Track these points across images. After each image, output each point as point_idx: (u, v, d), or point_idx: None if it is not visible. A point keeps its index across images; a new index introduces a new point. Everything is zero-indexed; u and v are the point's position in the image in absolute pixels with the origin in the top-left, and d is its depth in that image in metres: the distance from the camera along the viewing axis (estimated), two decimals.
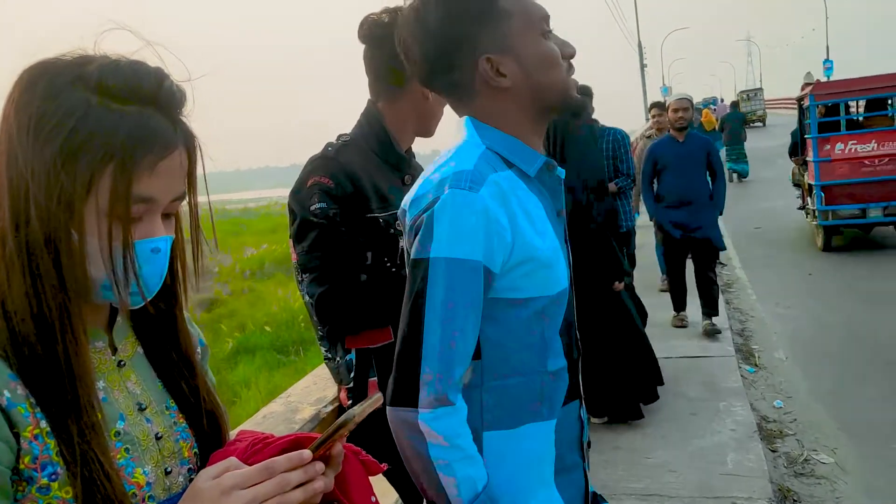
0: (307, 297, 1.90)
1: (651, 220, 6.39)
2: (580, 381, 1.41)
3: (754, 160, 17.38)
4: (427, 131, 2.00)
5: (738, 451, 3.86)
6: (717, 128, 15.68)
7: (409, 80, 1.88)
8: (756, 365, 5.37)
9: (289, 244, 1.96)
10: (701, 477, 3.64)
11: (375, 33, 1.89)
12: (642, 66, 37.02)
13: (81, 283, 0.87)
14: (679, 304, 6.25)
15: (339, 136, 1.99)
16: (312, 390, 2.20)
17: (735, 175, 16.26)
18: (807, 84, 9.86)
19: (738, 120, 17.08)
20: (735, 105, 21.09)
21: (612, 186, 5.50)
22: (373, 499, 1.05)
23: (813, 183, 8.61)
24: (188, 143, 0.92)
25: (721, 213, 6.06)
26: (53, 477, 0.83)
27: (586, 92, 5.11)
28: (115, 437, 0.91)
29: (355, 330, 1.89)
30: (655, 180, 6.11)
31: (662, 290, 6.82)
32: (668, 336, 5.81)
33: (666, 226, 5.97)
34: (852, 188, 8.37)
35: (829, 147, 8.55)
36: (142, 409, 0.96)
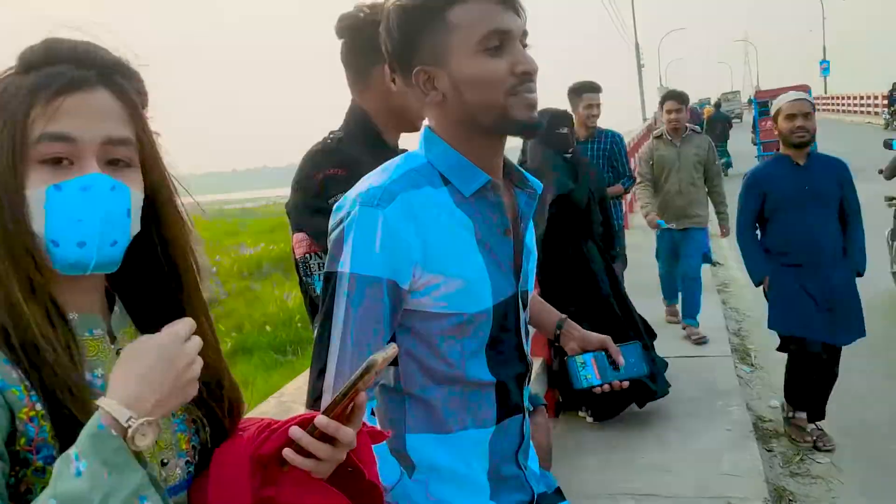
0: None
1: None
2: (524, 396, 1.42)
3: (749, 161, 17.51)
4: (409, 125, 1.94)
5: (735, 451, 3.87)
6: (704, 127, 17.33)
7: (371, 74, 1.88)
8: (752, 365, 5.38)
9: (292, 243, 1.91)
10: (697, 477, 3.64)
11: (346, 26, 1.89)
12: (639, 66, 37.04)
13: (29, 245, 0.87)
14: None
15: (332, 132, 1.97)
16: (305, 390, 2.18)
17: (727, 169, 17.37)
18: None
19: (724, 120, 18.87)
20: (718, 106, 23.38)
21: (618, 188, 5.48)
22: (376, 469, 1.06)
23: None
24: (119, 90, 0.93)
25: (861, 275, 4.12)
26: (49, 460, 0.83)
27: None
28: None
29: None
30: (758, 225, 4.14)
31: (671, 321, 6.29)
32: (664, 336, 5.81)
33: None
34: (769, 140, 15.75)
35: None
36: None
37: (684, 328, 5.97)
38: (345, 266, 1.23)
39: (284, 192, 1.94)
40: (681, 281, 6.12)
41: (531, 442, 1.48)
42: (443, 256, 1.25)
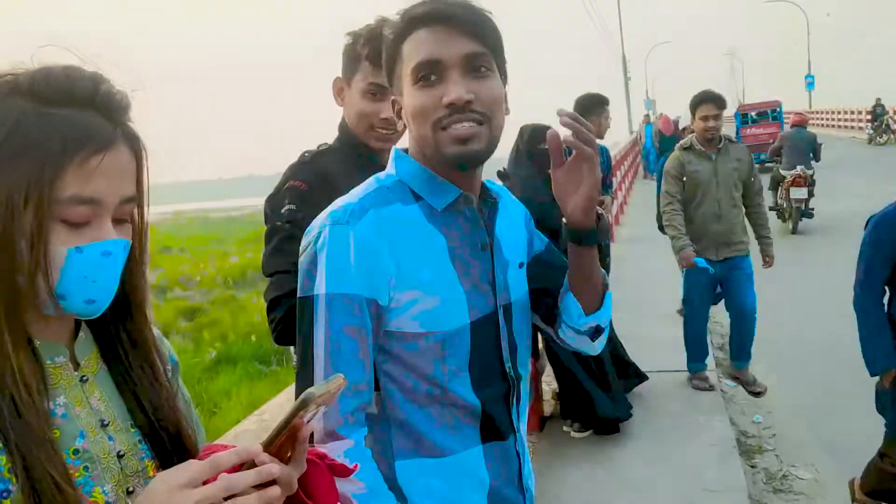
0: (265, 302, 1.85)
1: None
2: (514, 415, 1.39)
3: None
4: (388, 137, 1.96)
5: (718, 467, 3.87)
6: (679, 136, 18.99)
7: (348, 83, 1.91)
8: (735, 379, 5.38)
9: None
10: (681, 492, 3.64)
11: (348, 41, 1.91)
12: (626, 79, 37.25)
13: (23, 290, 0.86)
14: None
15: (320, 145, 2.00)
16: (287, 408, 2.15)
17: None
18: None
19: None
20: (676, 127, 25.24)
21: (606, 199, 5.43)
22: None
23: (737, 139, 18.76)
24: (133, 146, 0.92)
25: None
26: (5, 494, 0.81)
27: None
28: (74, 454, 0.89)
29: None
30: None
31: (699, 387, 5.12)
32: (647, 350, 5.81)
33: None
34: (751, 144, 16.92)
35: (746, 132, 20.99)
36: (104, 426, 0.94)
37: (731, 379, 5.28)
38: (320, 288, 1.21)
39: None
40: (733, 321, 5.27)
41: None
42: (416, 272, 1.23)
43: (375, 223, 1.22)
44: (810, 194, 11.27)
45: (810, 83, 49.59)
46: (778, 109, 21.64)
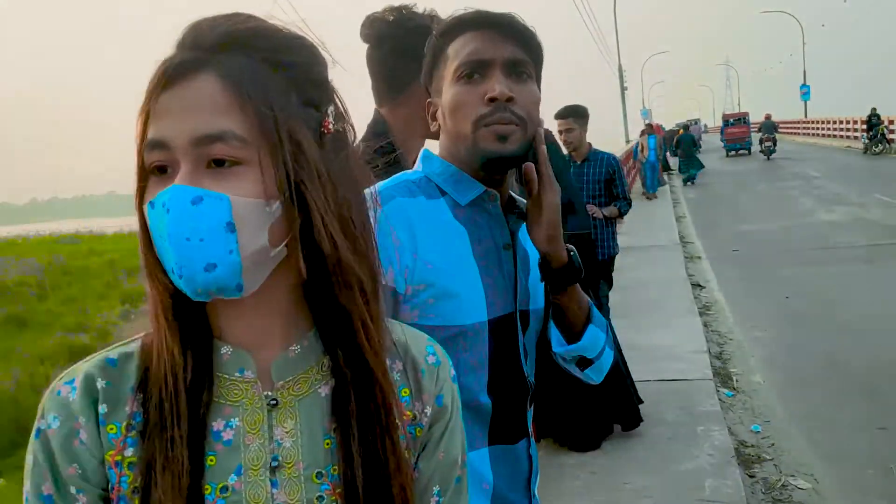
0: None
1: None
2: (529, 420, 1.37)
3: (732, 184, 17.89)
4: (436, 134, 1.90)
5: (716, 477, 3.85)
6: (673, 145, 24.81)
7: (410, 84, 1.74)
8: (734, 388, 5.37)
9: None
10: (679, 502, 3.62)
11: (377, 32, 1.77)
12: (622, 89, 37.34)
13: (152, 267, 0.76)
14: None
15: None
16: None
17: (691, 179, 22.53)
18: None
19: (689, 139, 23.63)
20: (686, 128, 29.68)
21: (613, 210, 5.30)
22: None
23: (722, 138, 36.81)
24: (229, 70, 0.74)
25: None
26: None
27: (576, 111, 5.21)
28: (221, 492, 0.75)
29: None
30: None
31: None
32: (644, 359, 5.81)
33: None
34: (730, 139, 35.93)
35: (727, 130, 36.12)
36: (274, 469, 0.77)
37: None
38: None
39: None
40: None
41: None
42: (434, 264, 1.23)
43: (399, 210, 1.24)
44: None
45: (806, 93, 49.83)
46: (746, 117, 37.69)
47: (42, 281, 12.97)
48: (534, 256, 1.38)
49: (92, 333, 8.86)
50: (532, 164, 1.26)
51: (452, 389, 0.92)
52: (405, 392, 0.86)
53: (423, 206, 1.27)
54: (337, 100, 0.85)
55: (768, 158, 29.65)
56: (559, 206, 1.27)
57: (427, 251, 1.23)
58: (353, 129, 0.87)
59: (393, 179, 1.31)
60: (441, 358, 0.92)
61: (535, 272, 1.37)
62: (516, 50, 1.26)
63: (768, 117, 31.52)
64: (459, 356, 1.25)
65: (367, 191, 1.17)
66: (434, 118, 1.35)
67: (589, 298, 1.39)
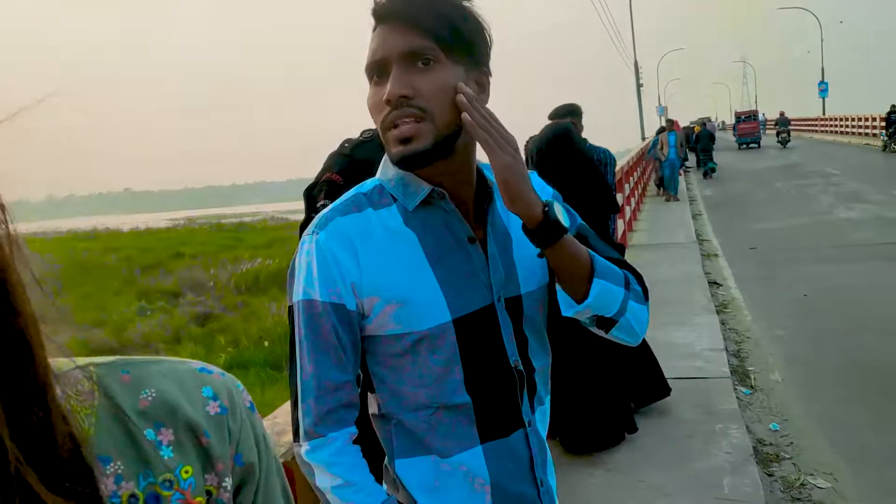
0: None
1: None
2: (525, 408, 1.35)
3: (748, 181, 17.80)
4: None
5: (734, 475, 3.82)
6: (693, 140, 26.32)
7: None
8: (752, 387, 5.33)
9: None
10: (696, 501, 3.59)
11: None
12: (638, 86, 37.18)
13: None
14: None
15: (363, 132, 1.90)
16: None
17: (710, 171, 24.20)
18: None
19: (707, 135, 25.51)
20: (704, 124, 31.56)
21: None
22: None
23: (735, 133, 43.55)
24: None
25: None
26: None
27: (573, 111, 5.17)
28: None
29: None
30: None
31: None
32: (661, 356, 5.77)
33: None
34: (741, 133, 41.16)
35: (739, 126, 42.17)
36: None
37: None
38: (296, 295, 1.27)
39: (283, 207, 1.90)
40: None
41: None
42: (382, 277, 1.23)
43: (337, 231, 1.24)
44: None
45: (823, 90, 49.43)
46: (756, 115, 43.55)
47: (58, 278, 13.10)
48: (522, 236, 1.29)
49: (108, 329, 8.93)
50: (467, 117, 1.18)
51: (255, 435, 0.68)
52: (186, 472, 0.61)
53: (367, 220, 1.26)
54: None
55: (784, 147, 36.43)
56: (510, 166, 1.19)
57: (372, 263, 1.23)
58: None
59: (344, 196, 1.32)
60: (226, 399, 0.66)
61: (529, 250, 1.29)
62: (414, 39, 1.19)
63: (782, 114, 40.05)
64: (429, 359, 1.26)
65: (317, 217, 1.24)
66: None
67: (605, 250, 1.33)
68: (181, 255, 20.68)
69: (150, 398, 0.62)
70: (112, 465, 0.58)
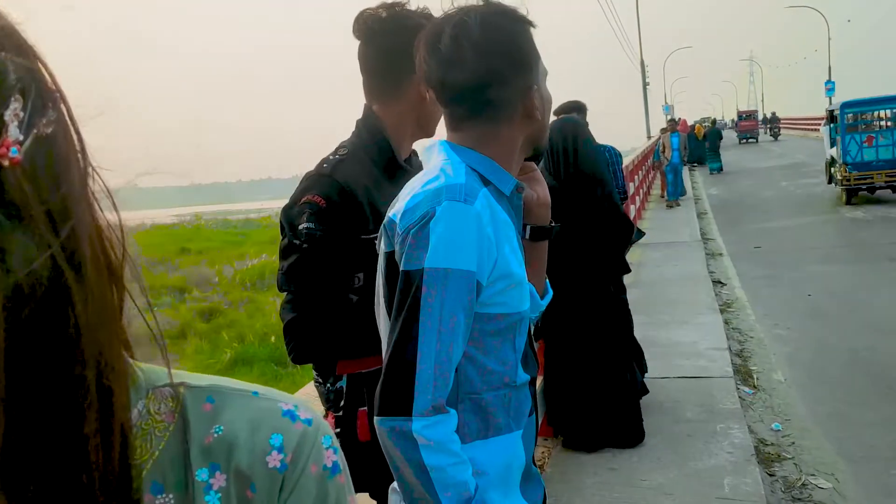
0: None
1: None
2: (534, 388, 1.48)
3: (754, 180, 17.80)
4: (427, 132, 1.85)
5: (736, 475, 3.82)
6: (703, 138, 27.00)
7: (406, 80, 1.74)
8: (754, 386, 5.34)
9: None
10: (697, 501, 3.60)
11: (371, 28, 1.76)
12: (644, 85, 37.11)
13: None
14: None
15: (338, 148, 1.83)
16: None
17: (717, 169, 25.14)
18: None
19: (716, 133, 26.78)
20: (713, 123, 32.39)
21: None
22: None
23: (736, 129, 52.77)
24: None
25: None
26: None
27: (580, 108, 5.18)
28: None
29: (323, 360, 1.77)
30: None
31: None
32: (664, 355, 5.79)
33: None
34: (742, 130, 49.04)
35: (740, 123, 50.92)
36: None
37: None
38: (436, 261, 1.21)
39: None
40: None
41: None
42: (507, 254, 1.30)
43: (485, 204, 1.27)
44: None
45: (830, 89, 49.22)
46: (755, 114, 50.53)
47: None
48: None
49: None
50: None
51: (320, 487, 0.57)
52: None
53: (489, 199, 1.30)
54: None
55: (776, 140, 45.22)
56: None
57: (502, 242, 1.29)
58: None
59: (455, 168, 1.31)
60: (292, 454, 0.56)
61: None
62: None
63: (773, 114, 51.90)
64: (515, 340, 1.34)
65: (452, 184, 1.26)
66: (535, 106, 1.38)
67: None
68: (187, 251, 20.74)
69: (216, 435, 0.55)
70: (163, 496, 0.53)
